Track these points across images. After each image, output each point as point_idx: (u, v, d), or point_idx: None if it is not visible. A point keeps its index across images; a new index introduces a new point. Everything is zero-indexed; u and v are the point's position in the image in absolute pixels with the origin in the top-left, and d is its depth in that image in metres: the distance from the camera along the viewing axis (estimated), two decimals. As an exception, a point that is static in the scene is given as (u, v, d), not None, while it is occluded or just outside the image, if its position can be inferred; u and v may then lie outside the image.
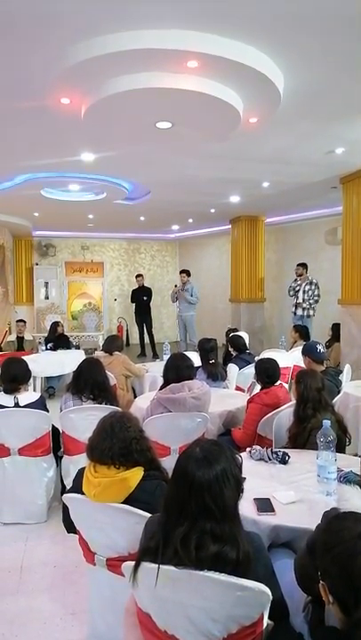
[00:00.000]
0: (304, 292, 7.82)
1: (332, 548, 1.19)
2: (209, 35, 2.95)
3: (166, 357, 4.05)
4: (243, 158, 5.52)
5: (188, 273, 9.26)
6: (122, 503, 1.76)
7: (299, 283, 7.94)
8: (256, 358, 4.41)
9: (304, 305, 7.81)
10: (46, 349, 7.05)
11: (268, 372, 3.42)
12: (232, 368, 4.91)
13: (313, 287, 7.80)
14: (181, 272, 9.40)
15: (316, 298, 7.79)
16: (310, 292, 7.78)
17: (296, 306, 7.92)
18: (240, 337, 5.67)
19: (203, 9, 2.68)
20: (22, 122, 4.29)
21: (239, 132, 4.31)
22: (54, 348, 7.14)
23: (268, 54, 3.17)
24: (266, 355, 5.10)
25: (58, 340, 7.50)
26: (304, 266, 8.01)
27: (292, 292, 8.04)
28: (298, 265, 8.05)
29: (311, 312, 7.83)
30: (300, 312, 7.85)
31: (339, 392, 3.84)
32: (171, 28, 2.89)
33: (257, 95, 3.63)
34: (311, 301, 7.78)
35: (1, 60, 3.17)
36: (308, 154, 5.37)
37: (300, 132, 4.65)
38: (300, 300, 7.85)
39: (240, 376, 4.85)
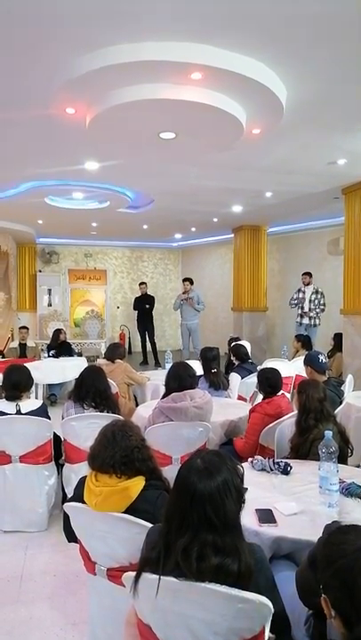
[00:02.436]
0: (310, 301, 7.82)
1: (334, 561, 1.18)
2: (213, 47, 2.99)
3: (168, 366, 4.04)
4: (245, 168, 5.56)
5: (191, 281, 9.29)
6: (123, 513, 1.75)
7: (303, 291, 7.94)
8: (258, 367, 4.40)
9: (311, 314, 7.80)
10: (48, 356, 7.06)
11: (270, 382, 3.41)
12: (234, 377, 4.89)
13: (319, 296, 7.81)
14: (184, 280, 9.41)
15: (322, 307, 7.79)
16: (316, 302, 7.78)
17: (302, 315, 7.90)
18: (242, 346, 5.66)
19: (206, 22, 2.71)
20: (28, 131, 4.33)
21: (242, 142, 4.35)
22: (56, 356, 7.15)
23: (271, 66, 3.21)
24: (268, 364, 5.09)
25: (60, 347, 7.52)
26: (310, 274, 8.03)
27: (294, 304, 8.02)
28: (304, 274, 8.05)
29: (317, 321, 7.83)
30: (306, 321, 7.84)
31: (341, 402, 3.83)
32: (174, 40, 2.93)
33: (260, 107, 3.67)
34: (318, 310, 7.78)
35: (6, 70, 3.22)
36: (310, 164, 5.40)
37: (303, 143, 4.69)
38: (307, 310, 7.84)
39: (242, 385, 4.83)
